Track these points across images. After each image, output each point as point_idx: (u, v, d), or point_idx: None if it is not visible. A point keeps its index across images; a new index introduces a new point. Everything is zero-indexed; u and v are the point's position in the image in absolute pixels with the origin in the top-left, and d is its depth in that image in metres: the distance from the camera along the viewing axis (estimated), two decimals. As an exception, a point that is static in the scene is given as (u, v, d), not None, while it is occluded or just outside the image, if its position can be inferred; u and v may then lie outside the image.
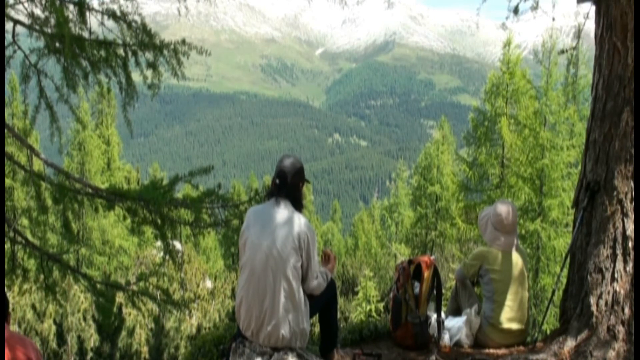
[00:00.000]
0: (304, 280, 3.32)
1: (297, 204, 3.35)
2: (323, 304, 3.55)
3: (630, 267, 3.60)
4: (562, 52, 6.89)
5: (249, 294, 3.28)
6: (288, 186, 3.32)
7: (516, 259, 4.33)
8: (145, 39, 4.29)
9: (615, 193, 3.70)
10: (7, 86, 18.55)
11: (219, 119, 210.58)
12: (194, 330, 12.22)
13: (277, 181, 3.34)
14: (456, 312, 4.62)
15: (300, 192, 3.38)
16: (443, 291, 4.72)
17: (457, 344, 4.31)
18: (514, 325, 4.25)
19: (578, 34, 6.13)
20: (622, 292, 3.58)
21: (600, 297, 3.65)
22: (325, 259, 3.69)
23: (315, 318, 3.74)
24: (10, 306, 3.63)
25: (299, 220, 3.29)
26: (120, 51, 4.28)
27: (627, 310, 3.55)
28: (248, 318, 3.29)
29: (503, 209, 4.35)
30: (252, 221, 3.36)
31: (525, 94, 13.05)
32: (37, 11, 4.05)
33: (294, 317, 3.25)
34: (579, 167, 5.51)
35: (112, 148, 25.39)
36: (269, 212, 3.32)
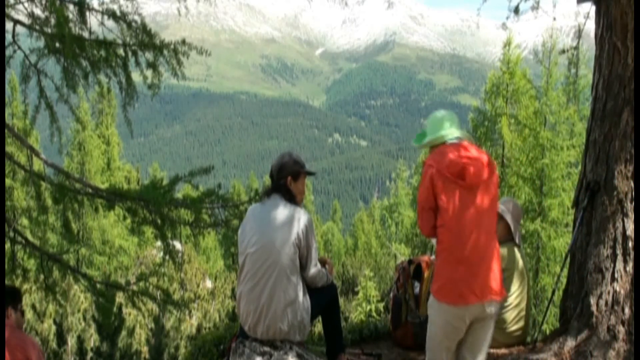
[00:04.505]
0: (303, 269, 3.37)
1: (290, 198, 3.38)
2: (324, 306, 3.55)
3: (630, 267, 3.60)
4: (563, 52, 6.90)
5: (247, 288, 3.33)
6: (276, 183, 3.42)
7: (520, 257, 4.33)
8: (145, 39, 4.30)
9: (615, 193, 3.70)
10: (7, 86, 18.55)
11: (219, 119, 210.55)
12: (194, 330, 12.23)
13: (270, 179, 3.49)
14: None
15: (289, 186, 3.39)
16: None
17: (457, 344, 4.31)
18: (516, 325, 4.25)
19: (578, 34, 6.13)
20: (622, 292, 3.59)
21: (600, 297, 3.65)
22: (322, 264, 3.70)
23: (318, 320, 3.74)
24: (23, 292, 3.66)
25: (296, 214, 3.33)
26: (120, 51, 4.29)
27: (627, 310, 3.55)
28: (246, 312, 3.34)
29: (517, 203, 4.43)
30: (250, 218, 3.44)
31: (526, 93, 13.06)
32: (37, 11, 4.05)
33: (292, 310, 3.28)
34: (579, 167, 5.52)
35: (112, 148, 25.40)
36: (265, 209, 3.40)
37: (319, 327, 5.42)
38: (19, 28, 4.21)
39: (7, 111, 18.46)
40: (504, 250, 4.29)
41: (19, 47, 4.33)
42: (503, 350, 4.21)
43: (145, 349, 11.23)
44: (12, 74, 17.24)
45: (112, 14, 4.17)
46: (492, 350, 4.22)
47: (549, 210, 12.23)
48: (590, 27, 4.22)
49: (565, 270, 4.27)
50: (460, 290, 2.93)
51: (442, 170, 2.93)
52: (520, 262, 4.31)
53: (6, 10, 3.99)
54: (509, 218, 4.28)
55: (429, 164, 3.00)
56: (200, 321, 13.10)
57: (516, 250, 4.32)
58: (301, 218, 3.32)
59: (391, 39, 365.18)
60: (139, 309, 5.13)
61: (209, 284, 18.41)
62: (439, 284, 3.02)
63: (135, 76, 4.39)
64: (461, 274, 2.93)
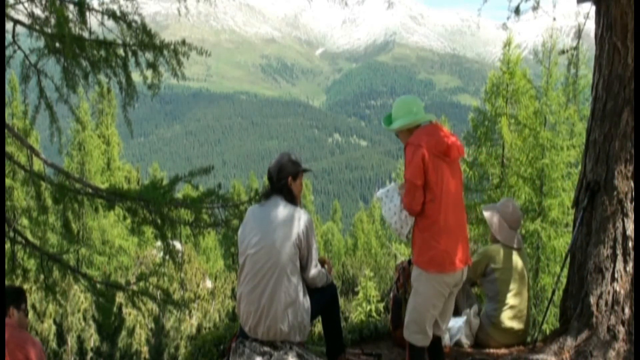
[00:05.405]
0: (304, 269, 3.36)
1: (290, 199, 3.39)
2: (324, 306, 3.55)
3: (630, 267, 3.60)
4: (563, 52, 6.88)
5: (247, 289, 3.32)
6: (276, 184, 3.41)
7: (519, 258, 4.33)
8: (145, 39, 4.30)
9: (615, 193, 3.70)
10: (7, 86, 18.51)
11: (219, 119, 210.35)
12: (194, 330, 12.22)
13: (269, 181, 3.48)
14: (454, 312, 4.61)
15: (290, 187, 3.40)
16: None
17: (457, 344, 4.31)
18: (516, 325, 4.25)
19: (578, 34, 6.12)
20: (622, 292, 3.58)
21: (600, 297, 3.65)
22: (321, 264, 3.70)
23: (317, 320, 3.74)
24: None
25: (296, 214, 3.34)
26: (120, 51, 4.29)
27: (627, 310, 3.55)
28: (246, 313, 3.34)
29: (516, 206, 4.45)
30: (249, 219, 3.44)
31: (526, 93, 13.02)
32: (37, 11, 4.06)
33: (292, 312, 3.28)
34: (579, 167, 5.51)
35: (112, 148, 25.37)
36: (265, 210, 3.39)
37: (319, 327, 5.42)
38: (19, 28, 4.21)
39: (7, 111, 18.43)
40: (498, 250, 4.31)
41: (19, 47, 4.33)
42: (503, 350, 4.21)
43: (145, 349, 11.22)
44: (12, 74, 17.20)
45: (112, 14, 4.17)
46: (492, 350, 4.22)
47: (549, 210, 12.21)
48: (590, 27, 4.21)
49: (565, 270, 4.27)
50: (451, 258, 3.19)
51: (431, 148, 3.18)
52: (519, 264, 4.31)
53: (6, 10, 3.99)
54: (493, 228, 4.34)
55: (417, 144, 3.21)
56: (200, 321, 13.09)
57: (514, 252, 4.32)
58: (301, 218, 3.32)
59: (391, 39, 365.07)
60: (139, 309, 5.13)
61: (209, 284, 18.40)
62: (429, 255, 3.21)
63: (135, 76, 4.39)
64: (449, 243, 3.19)
